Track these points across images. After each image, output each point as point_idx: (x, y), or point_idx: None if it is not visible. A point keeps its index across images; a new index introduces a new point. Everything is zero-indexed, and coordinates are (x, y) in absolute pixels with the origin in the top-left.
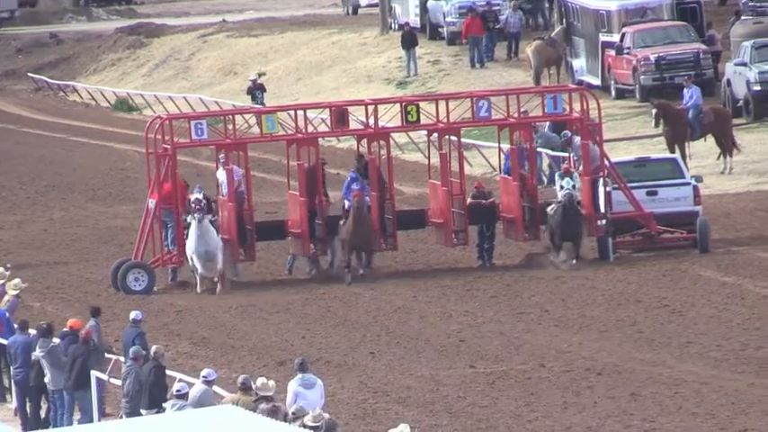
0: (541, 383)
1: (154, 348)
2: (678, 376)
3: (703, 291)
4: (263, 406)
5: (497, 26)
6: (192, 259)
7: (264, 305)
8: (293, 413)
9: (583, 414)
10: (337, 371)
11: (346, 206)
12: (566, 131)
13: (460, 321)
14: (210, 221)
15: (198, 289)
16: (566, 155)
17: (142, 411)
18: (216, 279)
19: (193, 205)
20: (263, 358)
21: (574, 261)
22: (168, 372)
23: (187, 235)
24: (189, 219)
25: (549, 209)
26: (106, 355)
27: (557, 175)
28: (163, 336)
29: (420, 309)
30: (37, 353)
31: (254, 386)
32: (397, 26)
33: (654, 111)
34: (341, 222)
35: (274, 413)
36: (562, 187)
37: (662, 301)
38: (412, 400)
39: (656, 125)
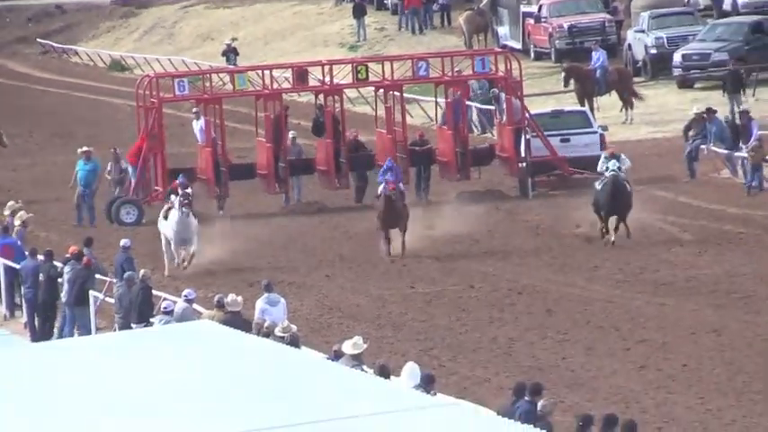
0: (471, 302)
1: (142, 272)
2: (587, 295)
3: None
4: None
5: None
6: (165, 239)
7: (237, 235)
8: (266, 328)
9: (506, 327)
10: (298, 291)
11: (380, 191)
12: (494, 89)
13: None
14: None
15: (166, 272)
16: (492, 107)
17: (132, 325)
18: (184, 261)
19: (181, 198)
20: (234, 280)
21: (613, 239)
22: (154, 292)
23: (166, 217)
24: (174, 204)
25: (596, 184)
26: (101, 277)
27: (603, 155)
28: (150, 261)
29: (369, 238)
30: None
31: (225, 302)
32: None
33: (563, 74)
34: (376, 203)
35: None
36: (608, 168)
37: (571, 232)
38: (362, 316)
39: (566, 85)
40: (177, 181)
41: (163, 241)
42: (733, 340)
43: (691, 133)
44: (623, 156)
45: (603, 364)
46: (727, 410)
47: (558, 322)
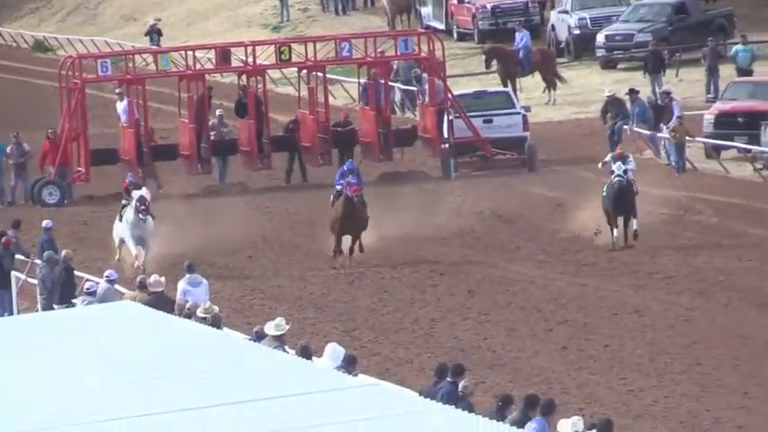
0: (393, 283)
1: (63, 252)
2: (509, 276)
3: (531, 204)
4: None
5: None
6: (119, 240)
7: (159, 216)
8: (188, 309)
9: (428, 308)
10: (219, 272)
11: (337, 189)
12: (416, 69)
13: (324, 228)
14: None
15: (116, 257)
16: (414, 88)
17: (54, 306)
18: (139, 262)
19: (137, 204)
20: (157, 261)
21: (624, 242)
22: (77, 272)
23: (120, 218)
24: (127, 207)
25: (603, 189)
26: (23, 258)
27: (610, 156)
28: (72, 242)
29: (291, 219)
30: None
31: (147, 283)
32: None
33: (484, 56)
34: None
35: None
36: (613, 172)
37: (495, 212)
38: (283, 297)
39: (488, 67)
40: (127, 180)
41: (116, 240)
42: (654, 321)
43: (609, 115)
44: (630, 157)
45: (525, 345)
46: (649, 391)
47: (480, 303)
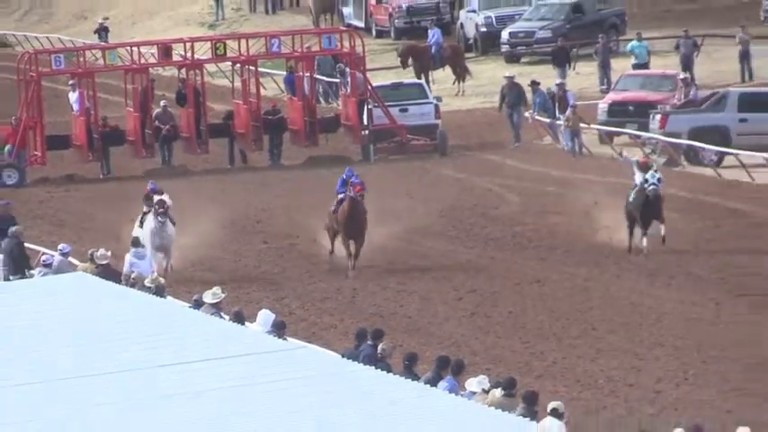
0: (320, 255)
1: (12, 229)
2: (423, 251)
3: (443, 184)
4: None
5: None
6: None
7: (105, 196)
8: (133, 278)
9: (350, 279)
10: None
11: (340, 196)
12: (339, 64)
13: (256, 206)
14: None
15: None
16: (337, 80)
17: (10, 277)
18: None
19: (157, 206)
20: (105, 236)
21: (645, 245)
22: (32, 246)
23: (140, 224)
24: (149, 214)
25: (630, 194)
26: None
27: (634, 164)
28: (29, 219)
29: (225, 197)
30: None
31: (96, 256)
32: None
33: (400, 59)
34: (330, 210)
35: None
36: (646, 180)
37: (410, 192)
38: (220, 269)
39: (405, 67)
40: (148, 187)
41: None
42: (554, 290)
43: (506, 100)
44: (655, 166)
45: (437, 312)
46: (549, 353)
47: (398, 274)
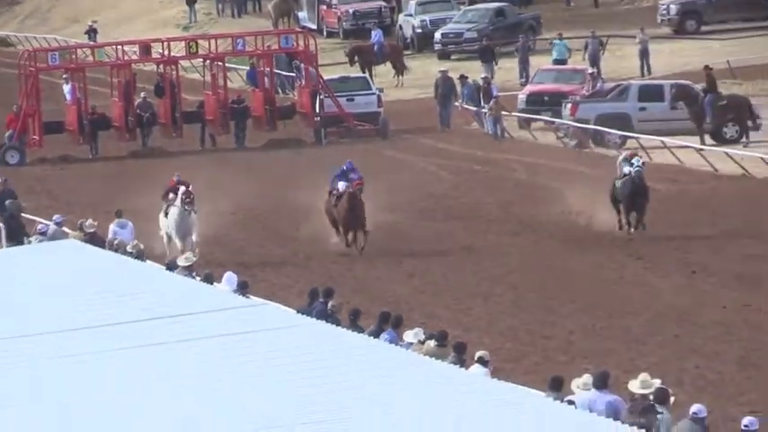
0: (277, 224)
1: (8, 203)
2: (369, 222)
3: (384, 164)
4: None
5: None
6: (166, 234)
7: (93, 174)
8: (116, 245)
9: (304, 246)
10: (144, 216)
11: (341, 189)
12: (295, 60)
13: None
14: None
15: (168, 252)
16: (294, 74)
17: (5, 244)
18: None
19: (183, 197)
20: (94, 209)
21: (635, 229)
22: (30, 216)
23: (166, 214)
24: (174, 202)
25: (617, 181)
26: None
27: (621, 158)
28: (28, 193)
29: (198, 171)
30: None
31: (84, 225)
32: None
33: (347, 57)
34: (332, 202)
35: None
36: (633, 164)
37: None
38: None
39: (352, 64)
40: (174, 179)
41: (164, 238)
42: (480, 255)
43: (439, 91)
44: (638, 156)
45: (381, 274)
46: (476, 309)
47: (341, 244)
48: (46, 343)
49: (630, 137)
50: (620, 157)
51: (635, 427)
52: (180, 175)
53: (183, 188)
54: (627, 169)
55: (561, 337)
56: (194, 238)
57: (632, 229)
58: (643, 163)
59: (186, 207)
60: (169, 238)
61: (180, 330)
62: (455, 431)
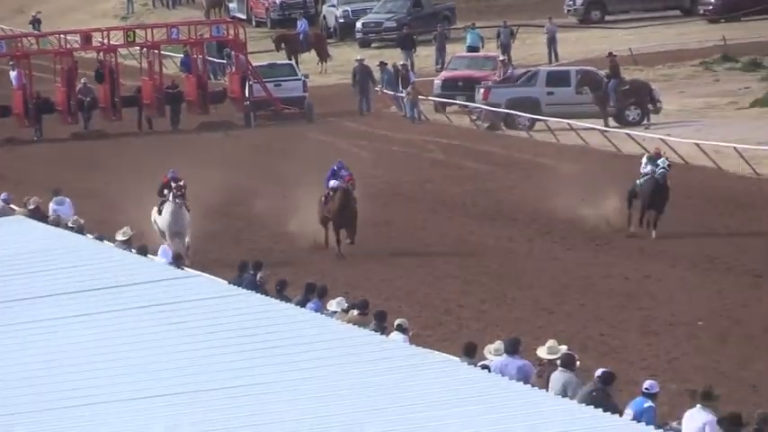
0: (210, 202)
1: None
2: (296, 198)
3: (310, 145)
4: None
5: None
6: (160, 231)
7: (38, 155)
8: (55, 219)
9: (236, 222)
10: (85, 194)
11: (332, 186)
12: (226, 48)
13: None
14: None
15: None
16: (225, 61)
17: None
18: (185, 251)
19: (175, 191)
20: (39, 187)
21: (654, 229)
22: None
23: (160, 211)
24: (168, 198)
25: (638, 180)
26: None
27: (646, 157)
28: None
29: (137, 152)
30: None
31: (28, 203)
32: None
33: (274, 43)
34: (321, 199)
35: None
36: (658, 165)
37: (284, 151)
38: (131, 212)
39: (278, 50)
40: (168, 176)
41: (158, 232)
42: (398, 229)
43: (356, 77)
44: (663, 156)
45: (305, 247)
46: (395, 279)
47: (274, 217)
48: None
49: (539, 119)
50: (645, 156)
51: (544, 390)
52: (174, 171)
53: (174, 183)
54: (650, 168)
55: (474, 307)
56: (187, 239)
57: (653, 231)
58: (669, 165)
59: (178, 201)
60: (162, 234)
61: (117, 300)
62: (375, 395)
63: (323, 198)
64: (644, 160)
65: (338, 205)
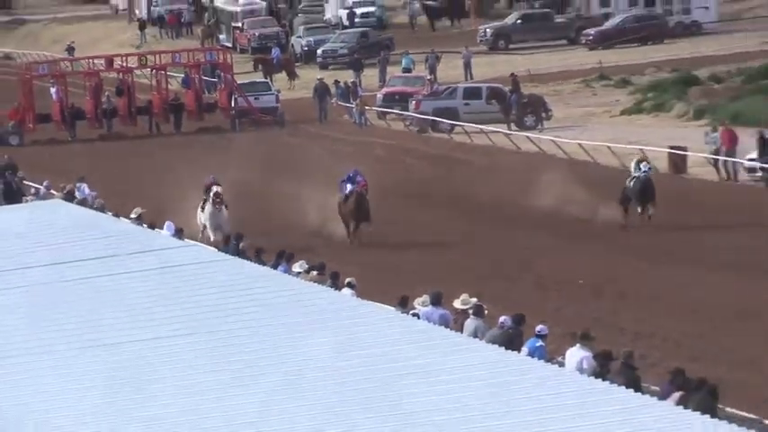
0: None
1: (8, 172)
2: (274, 190)
3: (286, 147)
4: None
5: (183, 19)
6: (202, 225)
7: (73, 152)
8: (78, 201)
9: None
10: (107, 181)
11: (347, 190)
12: (217, 70)
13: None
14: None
15: (201, 237)
16: (215, 80)
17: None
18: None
19: (214, 197)
20: (70, 176)
21: (649, 218)
22: (29, 183)
23: (203, 208)
24: (209, 200)
25: (627, 181)
26: None
27: (634, 162)
28: (26, 165)
29: (137, 148)
30: None
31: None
32: (136, 18)
33: (253, 64)
34: (341, 201)
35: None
36: (640, 168)
37: (267, 155)
38: (132, 195)
39: (256, 70)
40: (210, 179)
41: (200, 228)
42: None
43: (317, 93)
44: (647, 161)
45: (277, 222)
46: (348, 249)
47: (254, 199)
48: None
49: (458, 125)
50: (634, 161)
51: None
52: (214, 177)
53: (214, 188)
54: (637, 171)
55: (408, 269)
56: (225, 231)
57: (648, 217)
58: (649, 168)
59: (217, 207)
60: (204, 227)
61: (128, 266)
62: (328, 341)
63: (341, 200)
64: (632, 165)
65: (354, 207)
